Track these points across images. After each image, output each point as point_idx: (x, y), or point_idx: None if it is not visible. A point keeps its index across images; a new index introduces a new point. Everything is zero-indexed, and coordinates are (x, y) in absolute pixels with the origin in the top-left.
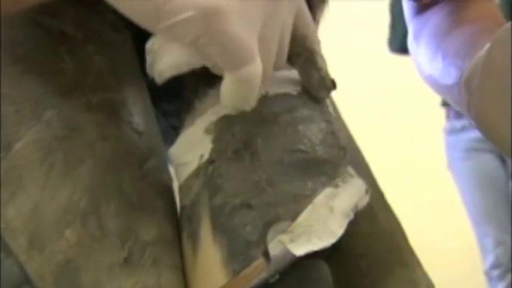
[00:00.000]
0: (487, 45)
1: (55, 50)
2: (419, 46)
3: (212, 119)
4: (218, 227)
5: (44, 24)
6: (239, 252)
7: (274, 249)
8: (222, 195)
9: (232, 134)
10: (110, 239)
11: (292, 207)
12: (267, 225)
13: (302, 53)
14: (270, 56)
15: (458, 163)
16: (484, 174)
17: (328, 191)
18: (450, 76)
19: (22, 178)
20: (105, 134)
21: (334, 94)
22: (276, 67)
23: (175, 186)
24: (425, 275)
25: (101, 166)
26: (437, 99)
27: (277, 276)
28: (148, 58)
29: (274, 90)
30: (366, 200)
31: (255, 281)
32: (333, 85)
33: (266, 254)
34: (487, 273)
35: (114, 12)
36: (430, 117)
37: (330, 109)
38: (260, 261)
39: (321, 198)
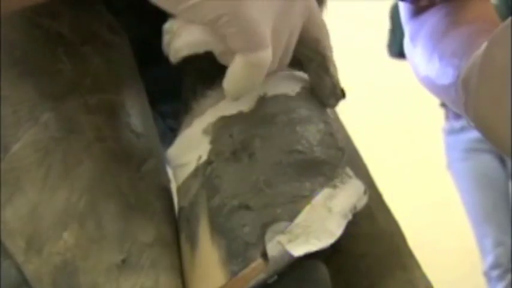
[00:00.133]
0: (485, 44)
1: (53, 51)
2: (415, 48)
3: (210, 120)
4: (216, 228)
5: (42, 26)
6: (237, 253)
7: (272, 250)
8: (220, 196)
9: (230, 135)
10: (108, 241)
11: (291, 208)
12: (265, 226)
13: (314, 58)
14: (277, 52)
15: (458, 163)
16: (483, 175)
17: (326, 191)
18: (447, 76)
19: (20, 180)
20: (103, 136)
21: None
22: (278, 67)
23: (174, 187)
24: (424, 276)
25: (99, 167)
26: (437, 99)
27: (276, 277)
28: (166, 38)
29: (272, 91)
30: (364, 200)
31: (254, 281)
32: (342, 94)
33: (264, 255)
34: (487, 274)
35: (112, 14)
36: (430, 118)
37: (328, 110)
38: (258, 262)
39: (319, 198)
